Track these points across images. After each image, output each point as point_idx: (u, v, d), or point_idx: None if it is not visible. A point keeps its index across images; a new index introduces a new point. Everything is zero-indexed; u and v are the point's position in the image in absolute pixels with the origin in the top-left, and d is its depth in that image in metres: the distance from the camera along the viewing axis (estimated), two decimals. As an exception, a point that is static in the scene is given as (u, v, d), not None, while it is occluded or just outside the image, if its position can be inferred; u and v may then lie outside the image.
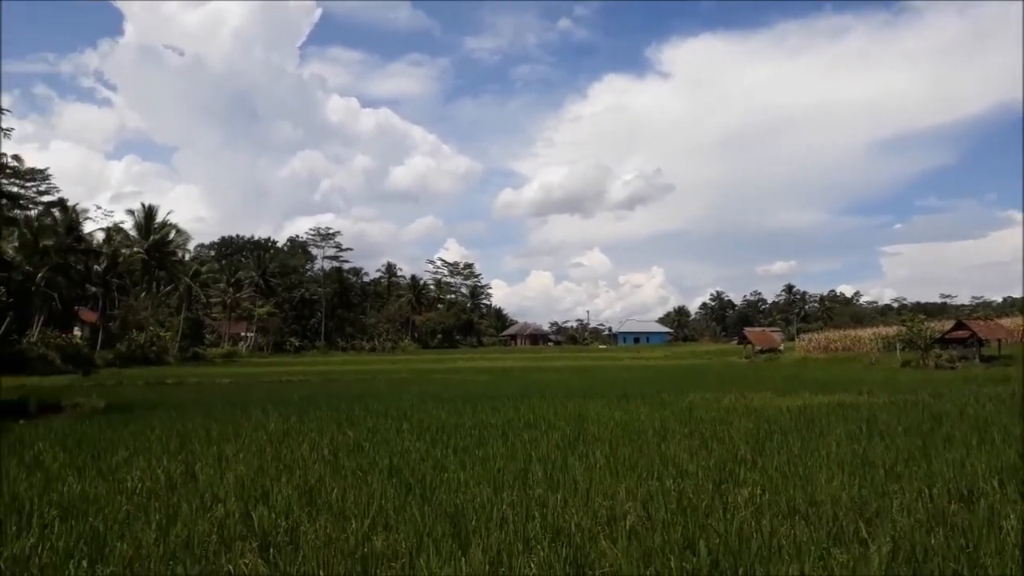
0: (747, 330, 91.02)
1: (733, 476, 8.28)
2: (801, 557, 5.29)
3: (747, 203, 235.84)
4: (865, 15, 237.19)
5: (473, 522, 6.24)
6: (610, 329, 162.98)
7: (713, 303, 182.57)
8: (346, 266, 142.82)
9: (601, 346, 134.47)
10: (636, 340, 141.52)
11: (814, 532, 5.90)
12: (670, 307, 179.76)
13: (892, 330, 58.23)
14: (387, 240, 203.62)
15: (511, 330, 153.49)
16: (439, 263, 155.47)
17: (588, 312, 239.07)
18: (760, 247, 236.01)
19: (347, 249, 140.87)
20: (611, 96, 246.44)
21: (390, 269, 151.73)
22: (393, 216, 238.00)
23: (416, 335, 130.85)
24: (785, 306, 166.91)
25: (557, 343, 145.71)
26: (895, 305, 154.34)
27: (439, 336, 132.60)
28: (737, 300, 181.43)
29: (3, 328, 49.32)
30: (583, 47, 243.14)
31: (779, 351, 74.64)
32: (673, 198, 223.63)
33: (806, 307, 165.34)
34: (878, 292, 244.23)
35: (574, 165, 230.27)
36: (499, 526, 6.11)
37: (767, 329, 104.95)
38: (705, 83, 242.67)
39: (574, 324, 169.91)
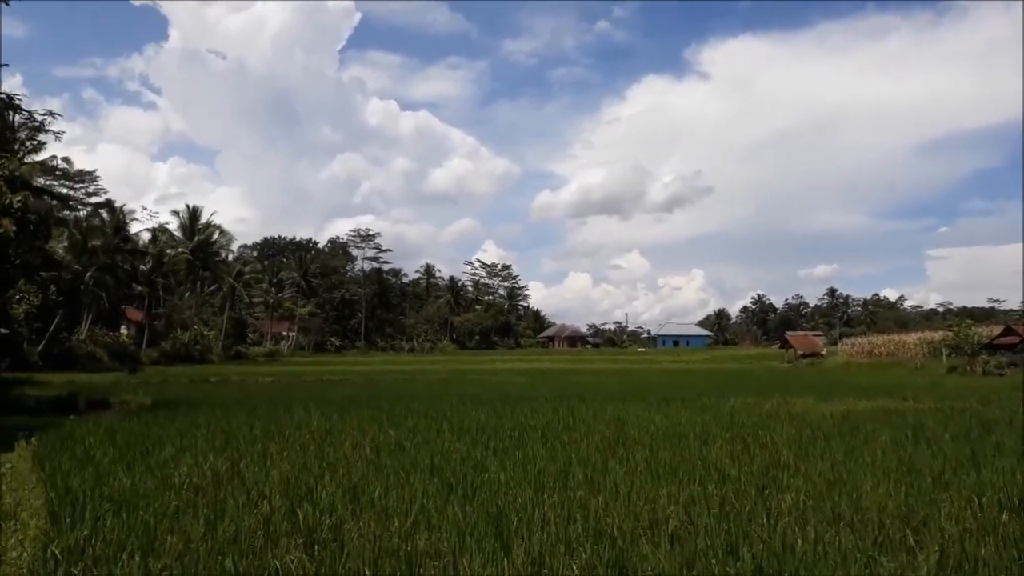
0: (789, 334, 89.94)
1: (776, 482, 8.20)
2: (847, 564, 5.24)
3: (789, 205, 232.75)
4: (909, 14, 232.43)
5: (515, 523, 6.27)
6: (649, 332, 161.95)
7: (754, 306, 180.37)
8: (385, 267, 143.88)
9: (640, 349, 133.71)
10: (675, 343, 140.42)
11: (859, 539, 5.83)
12: (710, 310, 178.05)
13: (938, 335, 57.13)
14: (426, 241, 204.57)
15: (549, 332, 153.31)
16: (477, 264, 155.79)
17: (627, 315, 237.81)
18: (802, 250, 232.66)
19: (387, 250, 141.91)
20: (649, 97, 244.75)
21: (428, 270, 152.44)
22: (432, 218, 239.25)
23: (454, 336, 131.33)
24: (828, 310, 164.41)
25: (595, 345, 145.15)
26: (941, 309, 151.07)
27: (477, 337, 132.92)
28: (779, 303, 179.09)
29: (53, 326, 50.55)
30: (621, 49, 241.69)
31: (821, 356, 73.61)
32: (713, 200, 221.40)
33: (849, 311, 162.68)
34: (923, 296, 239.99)
35: (612, 167, 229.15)
36: (540, 527, 6.13)
37: (809, 333, 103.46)
38: (745, 84, 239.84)
39: (612, 327, 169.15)
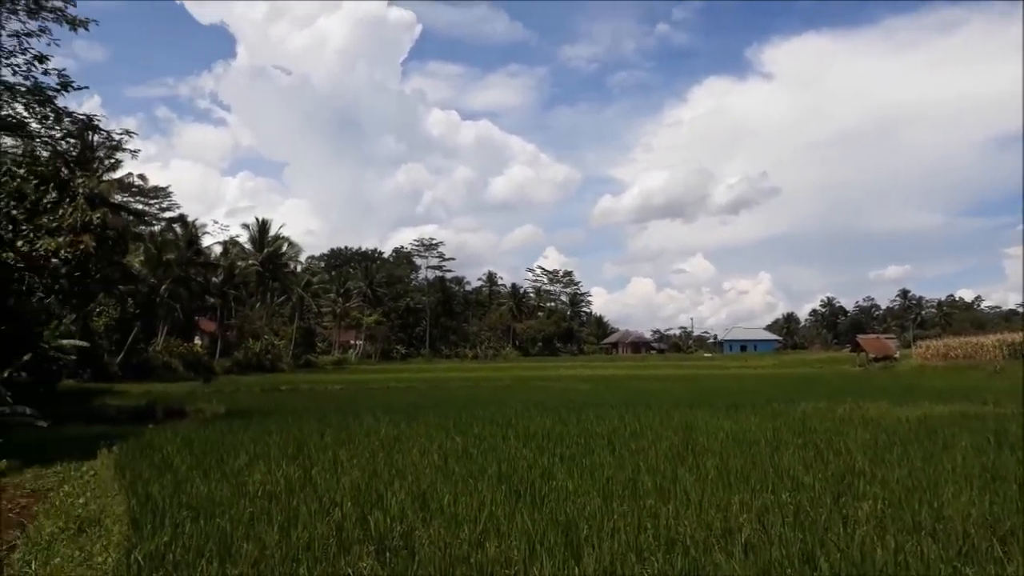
0: (860, 337, 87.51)
1: (852, 489, 7.98)
2: (930, 575, 5.07)
3: (858, 205, 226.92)
4: (980, 7, 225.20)
5: (584, 531, 6.23)
6: (715, 337, 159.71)
7: (824, 309, 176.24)
8: (449, 275, 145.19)
9: (706, 354, 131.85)
10: (743, 348, 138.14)
11: (943, 549, 5.62)
12: (778, 314, 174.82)
13: (1018, 336, 54.87)
14: (487, 249, 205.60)
15: (612, 338, 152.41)
16: (539, 271, 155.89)
17: (692, 319, 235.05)
18: (872, 251, 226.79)
19: (449, 259, 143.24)
20: (711, 99, 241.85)
21: (491, 278, 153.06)
22: (493, 226, 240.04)
23: (517, 343, 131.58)
24: (900, 312, 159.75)
25: (660, 351, 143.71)
26: (1020, 310, 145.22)
27: (539, 344, 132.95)
28: (849, 306, 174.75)
29: (131, 338, 52.31)
30: (682, 50, 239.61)
31: (894, 359, 71.45)
32: (779, 201, 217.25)
33: (923, 313, 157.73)
34: (1001, 296, 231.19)
35: (674, 170, 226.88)
36: (611, 536, 6.08)
37: (881, 336, 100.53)
38: (810, 83, 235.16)
39: (677, 332, 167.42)
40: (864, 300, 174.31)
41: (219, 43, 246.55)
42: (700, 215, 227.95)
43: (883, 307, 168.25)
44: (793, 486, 8.14)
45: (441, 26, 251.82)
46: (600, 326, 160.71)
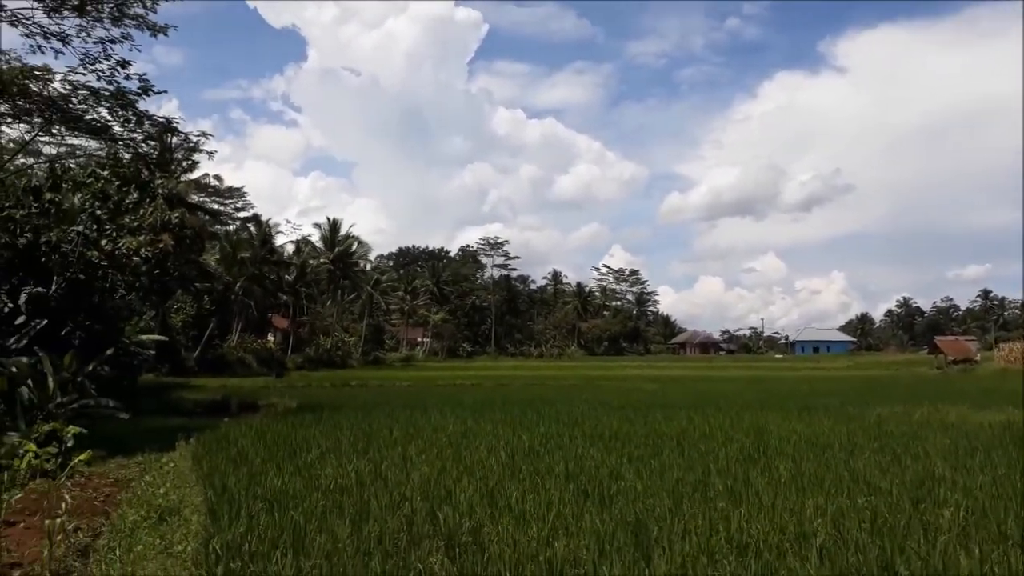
0: (938, 339, 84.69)
1: (932, 495, 7.72)
2: (1019, 587, 4.87)
3: (936, 203, 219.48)
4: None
5: (654, 532, 6.17)
6: (786, 338, 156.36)
7: (899, 310, 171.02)
8: (514, 274, 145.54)
9: (777, 356, 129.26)
10: (815, 349, 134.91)
11: (1032, 561, 5.39)
12: (852, 314, 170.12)
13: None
14: (553, 248, 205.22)
15: (680, 338, 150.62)
16: (604, 270, 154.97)
17: (762, 320, 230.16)
18: (951, 250, 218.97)
19: (515, 257, 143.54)
20: (783, 94, 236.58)
21: (556, 276, 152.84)
22: (558, 224, 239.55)
23: (582, 342, 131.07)
24: (981, 313, 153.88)
25: (729, 352, 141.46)
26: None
27: (605, 343, 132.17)
28: (926, 307, 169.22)
29: (207, 334, 53.91)
30: (752, 45, 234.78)
31: (975, 361, 68.88)
32: (853, 199, 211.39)
33: (1005, 314, 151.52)
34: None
35: (745, 167, 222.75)
36: (682, 538, 6.01)
37: (961, 338, 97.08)
38: (886, 76, 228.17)
39: (747, 332, 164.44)
40: (942, 300, 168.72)
41: (290, 46, 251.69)
42: (771, 212, 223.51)
43: (963, 308, 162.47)
44: (869, 491, 7.92)
45: (507, 25, 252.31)
46: (667, 326, 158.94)
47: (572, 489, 8.12)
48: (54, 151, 23.68)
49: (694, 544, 5.83)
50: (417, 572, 5.44)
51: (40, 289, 17.36)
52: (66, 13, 17.07)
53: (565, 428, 14.52)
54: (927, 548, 5.63)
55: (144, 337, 26.43)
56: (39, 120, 19.22)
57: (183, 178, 47.23)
